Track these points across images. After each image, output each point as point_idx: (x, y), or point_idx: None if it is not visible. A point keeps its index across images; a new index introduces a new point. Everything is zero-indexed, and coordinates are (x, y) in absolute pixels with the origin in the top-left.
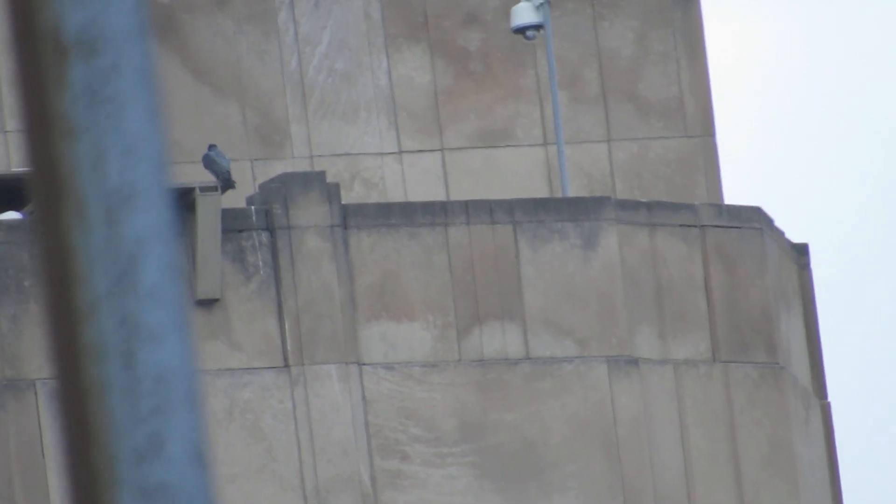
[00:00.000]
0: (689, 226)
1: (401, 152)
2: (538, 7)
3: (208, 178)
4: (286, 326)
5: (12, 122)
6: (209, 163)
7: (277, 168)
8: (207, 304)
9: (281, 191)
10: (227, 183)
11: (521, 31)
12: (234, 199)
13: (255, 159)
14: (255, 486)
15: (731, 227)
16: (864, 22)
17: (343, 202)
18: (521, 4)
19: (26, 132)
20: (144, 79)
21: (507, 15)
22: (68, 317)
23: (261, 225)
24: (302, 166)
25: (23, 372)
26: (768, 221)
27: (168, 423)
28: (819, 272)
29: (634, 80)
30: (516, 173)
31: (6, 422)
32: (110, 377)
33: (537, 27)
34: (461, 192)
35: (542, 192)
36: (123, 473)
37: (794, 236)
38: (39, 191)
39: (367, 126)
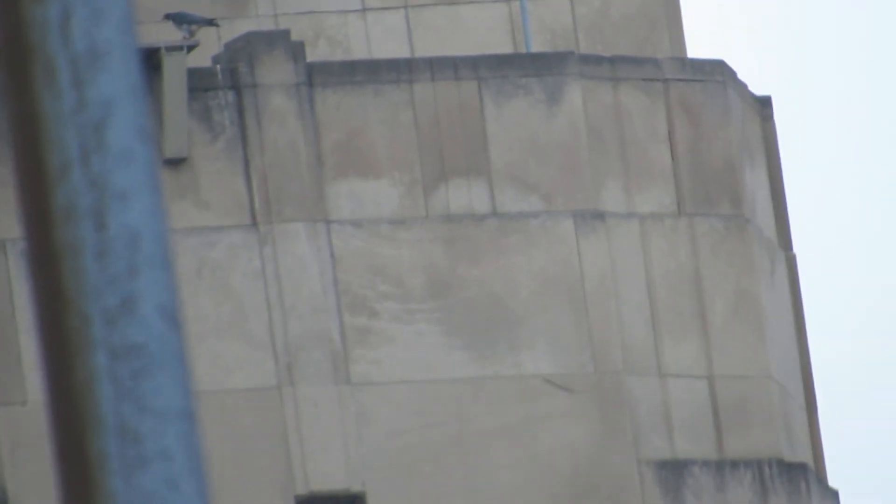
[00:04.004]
0: (652, 80)
1: (364, 10)
2: None
3: (173, 37)
4: (253, 185)
5: None
6: (182, 17)
7: (242, 27)
8: (175, 163)
9: (246, 49)
10: (211, 22)
11: None
12: (200, 59)
13: (220, 18)
14: (225, 344)
15: (695, 81)
16: None
17: (308, 60)
18: None
19: None
20: None
21: None
22: (39, 179)
23: (227, 84)
24: (266, 25)
25: None
26: (731, 74)
27: (140, 284)
28: (782, 124)
29: None
30: (480, 30)
31: None
32: (82, 239)
33: None
34: (425, 49)
35: (505, 49)
36: (96, 334)
37: (757, 89)
38: (7, 55)
39: None
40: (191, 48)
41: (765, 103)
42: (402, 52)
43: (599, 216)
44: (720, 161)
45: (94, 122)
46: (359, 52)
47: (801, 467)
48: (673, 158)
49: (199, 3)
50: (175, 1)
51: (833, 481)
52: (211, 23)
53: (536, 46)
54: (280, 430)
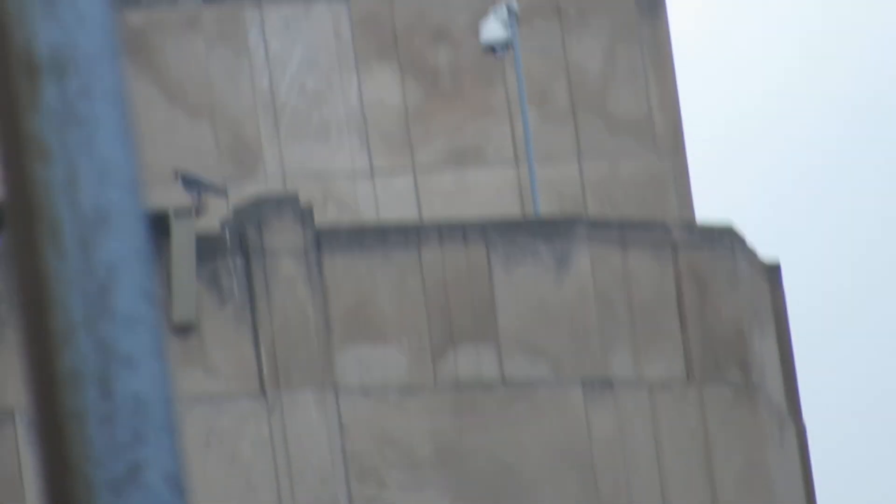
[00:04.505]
0: (661, 245)
1: (373, 172)
2: (507, 24)
3: (182, 200)
4: (262, 352)
5: None
6: (194, 181)
7: (250, 189)
8: (183, 329)
9: (254, 214)
10: (218, 193)
11: (490, 48)
12: (208, 222)
13: (229, 180)
14: None
15: (703, 246)
16: (827, 30)
17: (316, 223)
18: (489, 21)
19: None
20: (116, 100)
21: (476, 32)
22: (44, 343)
23: (235, 249)
24: (274, 185)
25: (1, 401)
26: (740, 240)
27: (146, 452)
28: (792, 291)
29: (603, 97)
30: (488, 192)
31: None
32: (87, 405)
33: (506, 44)
34: (433, 212)
35: (513, 212)
36: (102, 503)
37: (766, 252)
38: (13, 215)
39: (339, 146)
40: (199, 212)
41: (773, 270)
42: (410, 214)
43: (608, 383)
44: (729, 328)
45: (100, 284)
46: (367, 214)
47: None
48: (682, 325)
49: (208, 165)
50: (183, 160)
51: None
52: (221, 193)
53: (544, 209)
54: None
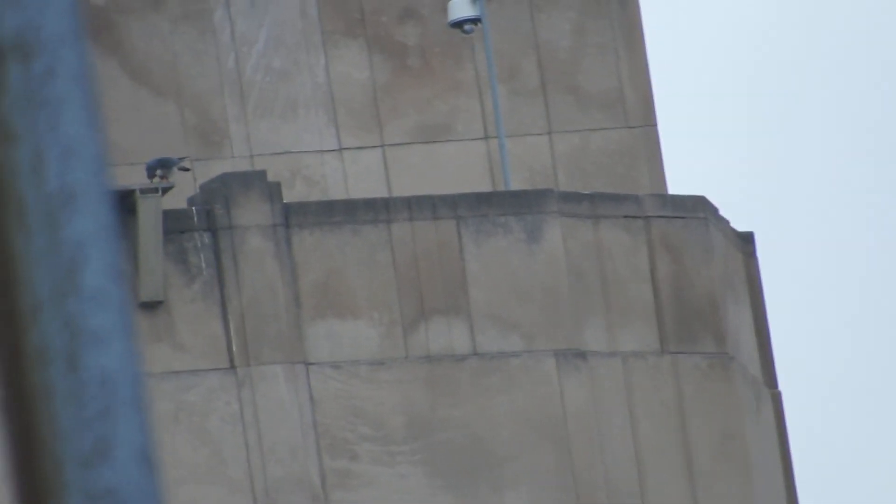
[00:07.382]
0: (633, 217)
1: (341, 149)
2: (475, 0)
3: (148, 179)
4: (231, 327)
5: None
6: (158, 162)
7: (218, 168)
8: (151, 306)
9: (222, 191)
10: (183, 169)
11: (458, 24)
12: (175, 201)
13: (195, 160)
14: (203, 489)
15: (676, 217)
16: (801, 6)
17: (285, 201)
18: None
19: None
20: (81, 81)
21: (444, 9)
22: (11, 322)
23: (202, 226)
24: (242, 166)
25: None
26: (713, 210)
27: (114, 427)
28: (766, 260)
29: (574, 72)
30: (458, 168)
31: None
32: (55, 381)
33: (475, 20)
34: (403, 188)
35: (484, 187)
36: (70, 479)
37: (740, 225)
38: None
39: (307, 124)
40: (166, 190)
41: (747, 239)
42: (379, 191)
43: (581, 355)
44: (703, 298)
45: (67, 263)
46: (336, 192)
47: None
48: (655, 296)
49: (174, 144)
50: (148, 141)
51: None
52: (184, 167)
53: (515, 184)
54: None
